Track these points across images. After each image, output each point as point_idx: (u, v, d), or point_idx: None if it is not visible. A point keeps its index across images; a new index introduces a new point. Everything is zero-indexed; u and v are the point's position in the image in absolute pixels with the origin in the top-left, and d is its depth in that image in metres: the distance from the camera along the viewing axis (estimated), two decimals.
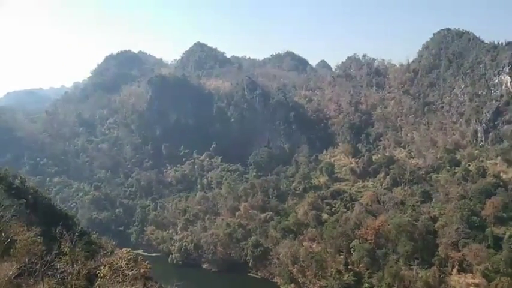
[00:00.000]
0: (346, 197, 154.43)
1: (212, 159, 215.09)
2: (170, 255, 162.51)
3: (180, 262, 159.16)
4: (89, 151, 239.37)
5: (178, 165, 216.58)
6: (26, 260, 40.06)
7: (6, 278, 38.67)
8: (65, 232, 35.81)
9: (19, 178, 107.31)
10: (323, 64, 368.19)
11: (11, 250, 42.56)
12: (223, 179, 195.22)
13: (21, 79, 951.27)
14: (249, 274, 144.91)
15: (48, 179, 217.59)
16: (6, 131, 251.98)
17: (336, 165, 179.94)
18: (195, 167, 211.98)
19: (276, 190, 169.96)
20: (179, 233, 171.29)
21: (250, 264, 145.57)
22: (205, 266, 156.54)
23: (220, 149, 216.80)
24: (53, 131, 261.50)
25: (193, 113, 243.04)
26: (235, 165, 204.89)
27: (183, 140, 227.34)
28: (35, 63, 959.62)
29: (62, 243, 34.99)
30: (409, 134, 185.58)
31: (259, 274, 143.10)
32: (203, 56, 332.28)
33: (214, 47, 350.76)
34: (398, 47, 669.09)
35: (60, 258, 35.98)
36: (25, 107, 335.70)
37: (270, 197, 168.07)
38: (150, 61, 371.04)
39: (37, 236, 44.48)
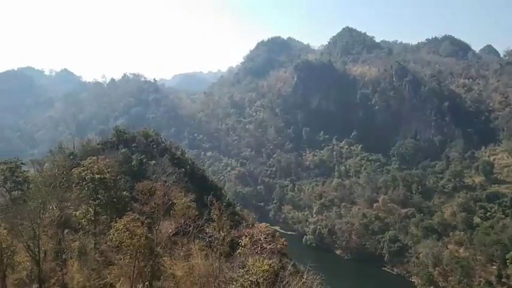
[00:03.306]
0: (506, 201, 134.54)
1: (352, 147, 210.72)
2: (304, 236, 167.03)
3: (314, 244, 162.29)
4: (237, 131, 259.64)
5: (317, 150, 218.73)
6: (182, 221, 46.34)
7: (166, 235, 45.47)
8: (214, 201, 39.79)
9: (180, 150, 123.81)
10: (489, 49, 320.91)
11: (171, 212, 49.69)
12: (362, 168, 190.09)
13: (185, 63, 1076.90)
14: (383, 268, 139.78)
15: (202, 153, 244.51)
16: (172, 109, 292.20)
17: (496, 165, 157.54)
18: (334, 153, 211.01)
19: (421, 186, 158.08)
20: (314, 216, 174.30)
21: (385, 259, 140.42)
22: (338, 252, 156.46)
23: (361, 137, 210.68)
24: (209, 111, 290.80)
25: (335, 99, 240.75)
26: (376, 155, 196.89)
27: (323, 125, 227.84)
28: (198, 49, 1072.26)
29: (212, 211, 39.03)
30: None
31: (395, 270, 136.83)
32: (351, 41, 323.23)
33: (363, 32, 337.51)
34: None
35: (209, 224, 40.42)
36: (187, 88, 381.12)
37: (413, 192, 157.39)
38: (298, 47, 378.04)
39: (192, 201, 50.87)
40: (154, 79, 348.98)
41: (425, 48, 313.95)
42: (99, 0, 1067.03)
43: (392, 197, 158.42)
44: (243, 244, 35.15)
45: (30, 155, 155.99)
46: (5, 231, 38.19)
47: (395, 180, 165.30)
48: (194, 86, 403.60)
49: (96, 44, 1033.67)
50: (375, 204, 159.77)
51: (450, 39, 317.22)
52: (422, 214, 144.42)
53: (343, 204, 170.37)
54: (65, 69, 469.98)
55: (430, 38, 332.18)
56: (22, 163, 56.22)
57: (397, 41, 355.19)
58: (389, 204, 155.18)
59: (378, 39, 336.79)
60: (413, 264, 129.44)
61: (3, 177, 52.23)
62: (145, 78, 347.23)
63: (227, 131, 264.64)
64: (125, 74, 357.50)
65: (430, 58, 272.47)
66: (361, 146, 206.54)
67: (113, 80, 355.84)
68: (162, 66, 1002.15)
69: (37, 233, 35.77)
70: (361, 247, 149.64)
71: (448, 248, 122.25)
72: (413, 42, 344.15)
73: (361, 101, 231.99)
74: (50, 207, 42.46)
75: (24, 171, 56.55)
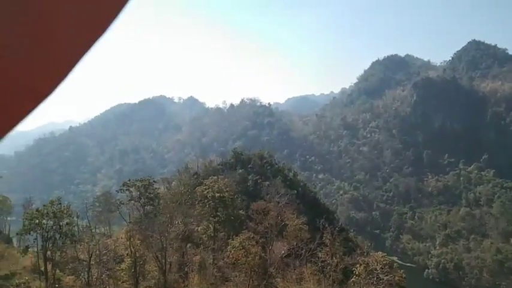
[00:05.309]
0: None
1: (482, 172, 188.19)
2: (426, 270, 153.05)
3: (437, 279, 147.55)
4: (350, 153, 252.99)
5: (440, 175, 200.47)
6: (294, 243, 46.62)
7: (279, 256, 46.14)
8: (327, 225, 39.29)
9: (292, 172, 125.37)
10: None
11: (283, 233, 50.39)
12: (496, 196, 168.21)
13: (298, 86, 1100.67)
14: None
15: (314, 175, 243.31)
16: (285, 131, 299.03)
17: None
18: (461, 178, 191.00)
19: None
20: (437, 248, 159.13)
21: None
22: None
23: (493, 161, 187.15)
24: (321, 133, 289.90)
25: (461, 119, 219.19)
26: None
27: (447, 147, 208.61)
28: (312, 73, 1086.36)
29: (324, 235, 38.57)
30: None
31: None
32: (478, 55, 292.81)
33: (493, 44, 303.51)
34: None
35: (322, 248, 39.92)
36: (300, 111, 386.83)
37: None
38: (417, 64, 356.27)
39: (304, 224, 50.99)
40: (268, 103, 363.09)
41: None
42: (222, 37, 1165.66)
43: None
44: (357, 273, 33.83)
45: (161, 174, 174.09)
46: (138, 242, 43.15)
47: None
48: (306, 109, 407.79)
49: (218, 73, 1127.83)
50: (511, 239, 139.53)
51: None
52: None
53: (473, 236, 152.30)
54: (191, 96, 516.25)
55: None
56: (154, 181, 62.93)
57: None
58: None
59: (511, 52, 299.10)
60: None
61: (138, 193, 59.14)
62: (260, 102, 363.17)
63: (339, 153, 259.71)
64: (242, 100, 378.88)
65: None
66: (493, 171, 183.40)
67: (232, 105, 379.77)
68: (276, 90, 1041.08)
69: (164, 245, 39.55)
70: (494, 287, 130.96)
71: None
72: None
73: (492, 121, 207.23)
74: (176, 222, 46.67)
75: (156, 188, 63.24)
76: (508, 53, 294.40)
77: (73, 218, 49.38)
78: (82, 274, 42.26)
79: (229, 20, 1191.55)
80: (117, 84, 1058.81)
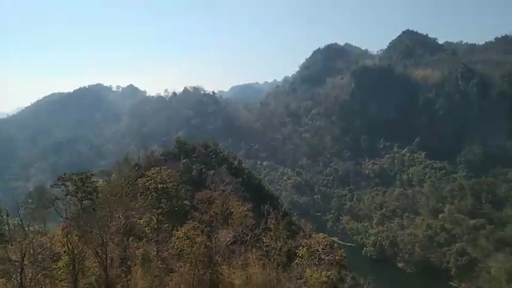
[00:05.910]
0: None
1: (414, 154, 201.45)
2: (364, 248, 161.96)
3: (374, 256, 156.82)
4: (293, 139, 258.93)
5: (376, 158, 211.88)
6: (240, 230, 46.86)
7: (224, 243, 46.19)
8: (271, 210, 39.84)
9: (237, 160, 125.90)
10: None
11: (229, 220, 50.43)
12: (426, 176, 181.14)
13: (242, 75, 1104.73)
14: (450, 283, 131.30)
15: (259, 162, 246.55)
16: (230, 120, 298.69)
17: None
18: (395, 161, 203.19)
19: (491, 195, 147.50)
20: (374, 227, 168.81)
21: (452, 273, 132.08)
22: (400, 265, 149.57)
23: (424, 143, 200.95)
24: (265, 121, 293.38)
25: (396, 105, 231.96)
26: (441, 162, 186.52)
27: (383, 132, 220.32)
28: (254, 61, 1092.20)
29: (269, 220, 39.11)
30: None
31: (463, 286, 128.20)
32: (411, 44, 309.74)
33: (424, 34, 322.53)
34: None
35: (266, 233, 40.47)
36: (244, 99, 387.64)
37: (483, 201, 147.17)
38: (355, 53, 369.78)
39: (249, 211, 51.29)
40: (213, 91, 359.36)
41: (495, 48, 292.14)
42: (163, 23, 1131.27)
43: (459, 207, 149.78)
44: (300, 255, 34.72)
45: (99, 167, 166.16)
46: (76, 238, 41.01)
47: (462, 189, 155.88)
48: (251, 97, 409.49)
49: (159, 61, 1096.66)
50: (440, 215, 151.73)
51: None
52: (493, 225, 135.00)
53: (406, 214, 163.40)
54: (131, 85, 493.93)
55: (500, 36, 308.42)
56: (92, 174, 59.74)
57: (462, 41, 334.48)
58: (456, 215, 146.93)
59: (441, 41, 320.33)
60: (484, 279, 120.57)
61: (75, 187, 55.93)
62: (204, 91, 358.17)
63: (283, 140, 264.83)
64: (185, 88, 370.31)
65: (501, 58, 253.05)
66: (424, 153, 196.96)
67: (174, 93, 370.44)
68: (220, 78, 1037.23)
69: (105, 240, 37.89)
70: (425, 260, 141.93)
71: None
72: (481, 42, 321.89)
73: (423, 106, 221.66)
74: (117, 216, 44.89)
75: (94, 181, 60.17)
76: (438, 42, 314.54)
77: (2, 216, 45.76)
78: (14, 276, 39.41)
79: (171, 7, 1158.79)
80: (49, 73, 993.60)
